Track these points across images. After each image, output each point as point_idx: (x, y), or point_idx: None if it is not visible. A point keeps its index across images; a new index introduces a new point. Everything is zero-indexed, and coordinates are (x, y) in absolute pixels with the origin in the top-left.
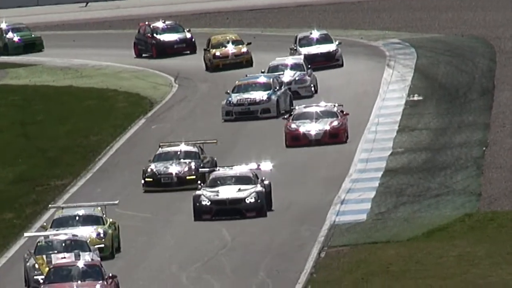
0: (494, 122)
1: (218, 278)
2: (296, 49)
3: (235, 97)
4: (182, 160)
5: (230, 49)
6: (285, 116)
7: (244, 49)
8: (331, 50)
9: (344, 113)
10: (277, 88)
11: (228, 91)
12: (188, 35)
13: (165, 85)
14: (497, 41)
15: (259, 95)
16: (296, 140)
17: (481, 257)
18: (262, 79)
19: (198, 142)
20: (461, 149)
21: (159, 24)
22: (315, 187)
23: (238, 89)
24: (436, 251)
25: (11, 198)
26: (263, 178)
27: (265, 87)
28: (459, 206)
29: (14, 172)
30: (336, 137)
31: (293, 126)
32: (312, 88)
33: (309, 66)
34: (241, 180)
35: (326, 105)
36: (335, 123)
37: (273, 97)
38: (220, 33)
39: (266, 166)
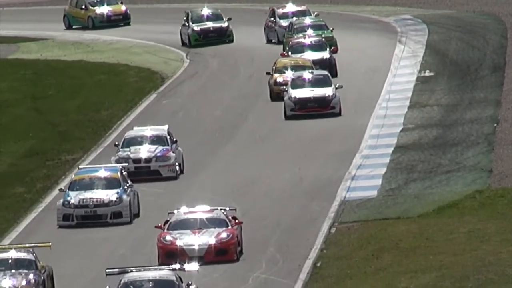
0: (505, 98)
1: None
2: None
3: (75, 196)
4: (16, 271)
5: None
6: (159, 224)
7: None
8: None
9: (237, 221)
10: (128, 184)
11: (62, 188)
12: None
13: (177, 60)
14: (509, 18)
15: (106, 194)
16: (171, 256)
17: (492, 233)
18: (104, 173)
19: (30, 245)
20: (472, 125)
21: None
22: (325, 162)
23: (75, 185)
24: (447, 227)
25: (22, 172)
26: (189, 283)
27: (110, 182)
28: (469, 182)
29: (25, 146)
30: (224, 253)
31: (169, 238)
32: (177, 167)
33: (175, 139)
34: (161, 285)
35: (213, 210)
36: (224, 235)
37: (125, 197)
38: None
39: (192, 266)
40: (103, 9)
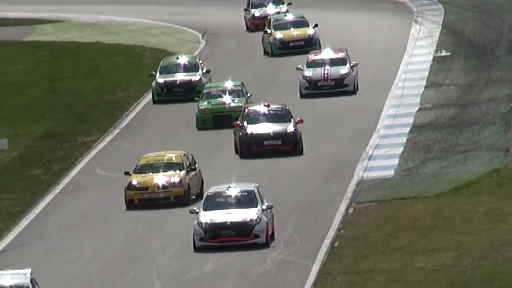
0: None
1: None
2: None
3: None
4: None
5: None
6: None
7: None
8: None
9: None
10: None
11: None
12: None
13: (193, 41)
14: None
15: None
16: None
17: (509, 212)
18: None
19: None
20: (488, 104)
21: None
22: (342, 142)
23: None
24: (464, 206)
25: (39, 154)
26: None
27: None
28: (486, 161)
29: (41, 128)
30: None
31: None
32: None
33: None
34: None
35: None
36: None
37: None
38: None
39: None
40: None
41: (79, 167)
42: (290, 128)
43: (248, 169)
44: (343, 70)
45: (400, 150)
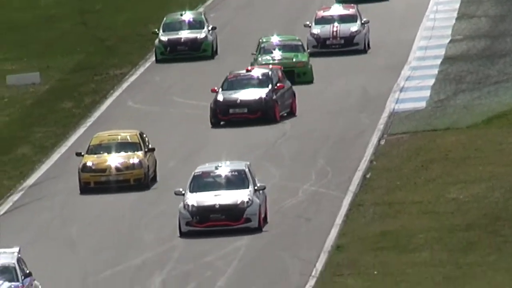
0: None
1: (278, 166)
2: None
3: None
4: None
5: None
6: None
7: None
8: None
9: None
10: None
11: None
12: None
13: None
14: None
15: None
16: None
17: None
18: None
19: None
20: None
21: None
22: (374, 75)
23: None
24: (496, 138)
25: (70, 87)
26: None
27: None
28: None
29: (73, 61)
30: None
31: None
32: None
33: (28, 271)
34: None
35: None
36: None
37: None
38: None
39: None
40: None
41: (110, 100)
42: (261, 94)
43: None
44: (353, 27)
45: (431, 81)
